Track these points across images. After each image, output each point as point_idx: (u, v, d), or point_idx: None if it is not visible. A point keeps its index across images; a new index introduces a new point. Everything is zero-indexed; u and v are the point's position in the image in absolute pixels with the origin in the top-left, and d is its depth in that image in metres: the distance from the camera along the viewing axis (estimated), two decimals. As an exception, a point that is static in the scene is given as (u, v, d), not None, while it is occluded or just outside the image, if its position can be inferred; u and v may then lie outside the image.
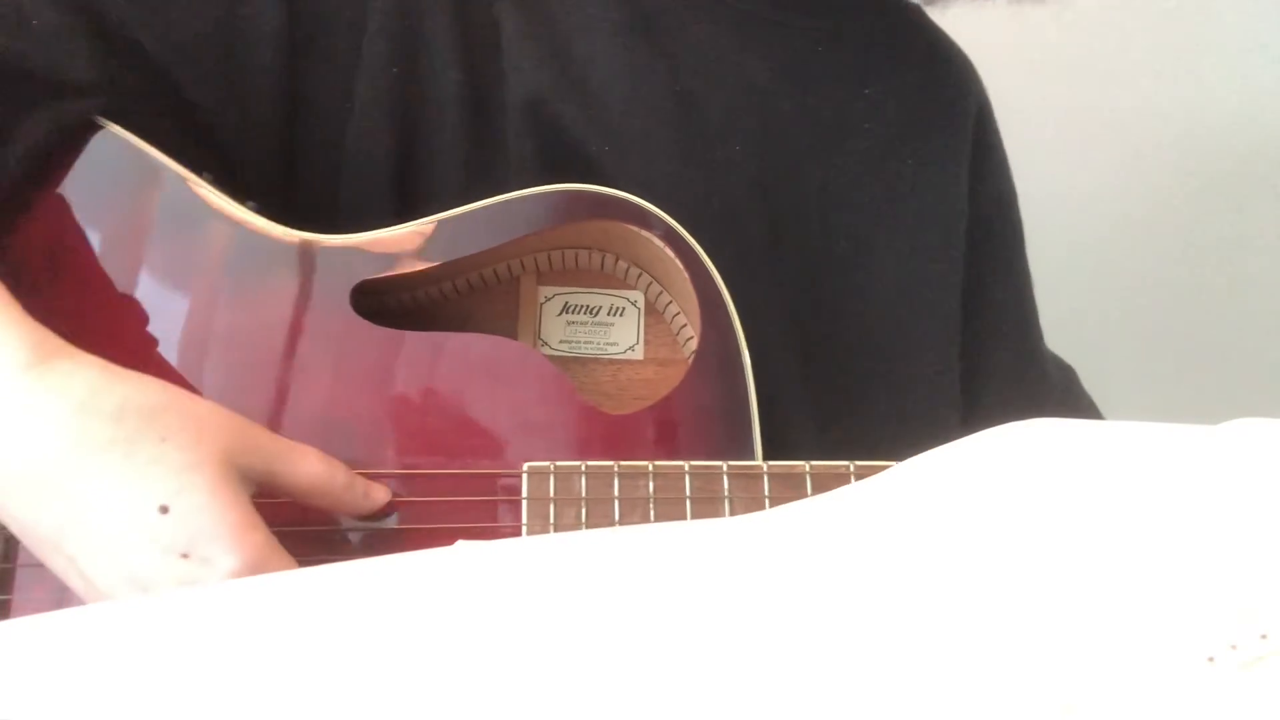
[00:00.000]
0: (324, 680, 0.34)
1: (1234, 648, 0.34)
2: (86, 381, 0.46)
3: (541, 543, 0.41)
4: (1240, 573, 0.36)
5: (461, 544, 0.38)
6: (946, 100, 0.75)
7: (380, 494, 0.53)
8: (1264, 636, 0.34)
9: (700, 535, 0.39)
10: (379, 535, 0.54)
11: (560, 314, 0.64)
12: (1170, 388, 1.34)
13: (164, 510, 0.44)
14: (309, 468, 0.50)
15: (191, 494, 0.45)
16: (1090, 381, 0.82)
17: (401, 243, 0.58)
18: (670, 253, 0.59)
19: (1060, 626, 0.35)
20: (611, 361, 0.64)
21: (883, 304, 0.69)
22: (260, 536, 0.46)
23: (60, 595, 0.51)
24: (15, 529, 0.47)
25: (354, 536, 0.54)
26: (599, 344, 0.64)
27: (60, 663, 0.34)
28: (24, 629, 0.36)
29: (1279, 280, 1.36)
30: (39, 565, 0.51)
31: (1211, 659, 0.34)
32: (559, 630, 0.35)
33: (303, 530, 0.49)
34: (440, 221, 0.58)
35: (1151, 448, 0.39)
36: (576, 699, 0.34)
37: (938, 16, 0.76)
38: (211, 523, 0.45)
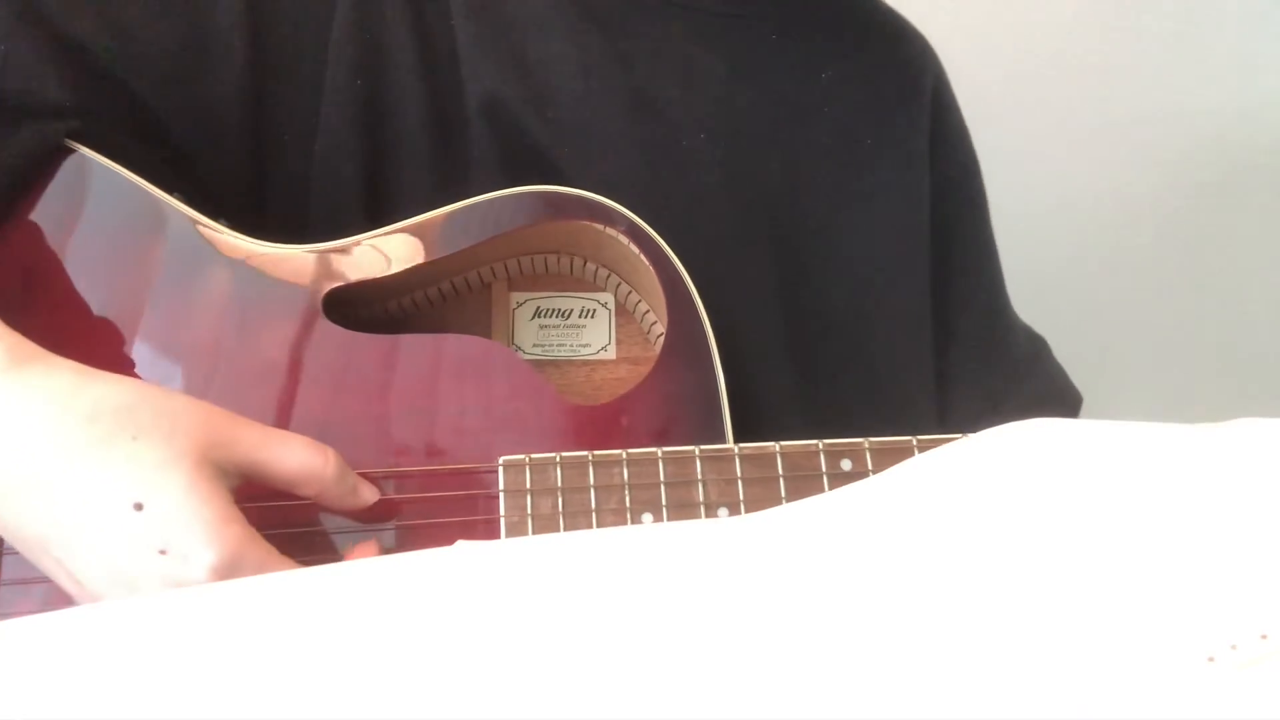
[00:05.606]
0: (324, 680, 0.34)
1: (1234, 648, 0.34)
2: (60, 384, 0.47)
3: (542, 543, 0.40)
4: (1240, 573, 0.36)
5: (461, 544, 0.38)
6: (903, 78, 0.76)
7: (369, 492, 0.53)
8: (1264, 636, 0.34)
9: (702, 536, 0.39)
10: (360, 534, 0.54)
11: (533, 319, 0.65)
12: (1170, 387, 1.35)
13: (138, 507, 0.45)
14: (295, 456, 0.50)
15: (165, 490, 0.45)
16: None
17: (370, 250, 0.59)
18: (635, 248, 0.60)
19: (1060, 626, 0.35)
20: (585, 363, 0.65)
21: (854, 280, 0.70)
22: (238, 529, 0.46)
23: (47, 610, 0.52)
24: (4, 533, 0.47)
25: (335, 538, 0.54)
26: (572, 346, 0.65)
27: (59, 663, 0.34)
28: (23, 629, 0.36)
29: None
30: (23, 582, 0.52)
31: (1211, 659, 0.34)
32: (559, 630, 0.35)
33: (286, 532, 0.50)
34: (407, 228, 0.59)
35: (1152, 447, 0.40)
36: (576, 699, 0.34)
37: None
38: (186, 518, 0.45)
